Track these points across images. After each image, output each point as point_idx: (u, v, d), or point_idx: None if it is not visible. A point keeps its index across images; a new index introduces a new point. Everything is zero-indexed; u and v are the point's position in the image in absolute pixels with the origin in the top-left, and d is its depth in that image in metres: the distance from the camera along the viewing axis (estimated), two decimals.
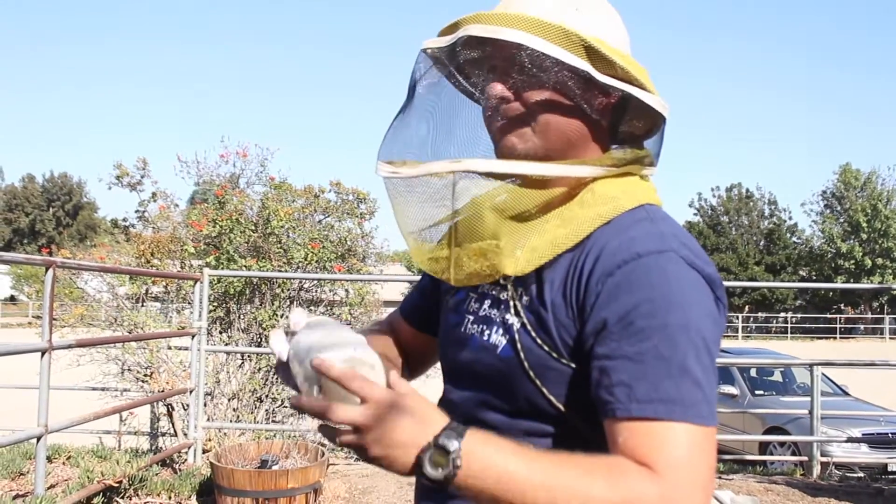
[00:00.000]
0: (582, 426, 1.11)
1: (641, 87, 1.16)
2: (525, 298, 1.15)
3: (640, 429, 0.98)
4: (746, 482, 6.40)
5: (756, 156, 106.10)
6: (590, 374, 1.05)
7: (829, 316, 47.82)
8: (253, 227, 7.72)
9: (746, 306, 50.09)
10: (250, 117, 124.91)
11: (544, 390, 1.11)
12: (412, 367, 1.54)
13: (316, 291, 8.16)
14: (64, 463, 6.21)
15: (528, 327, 1.12)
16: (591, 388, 1.04)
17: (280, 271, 7.56)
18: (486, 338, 1.19)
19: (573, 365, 1.09)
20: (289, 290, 7.69)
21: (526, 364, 1.11)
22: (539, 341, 1.11)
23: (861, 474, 7.97)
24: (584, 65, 1.11)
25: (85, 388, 7.59)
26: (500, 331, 1.16)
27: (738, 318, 47.27)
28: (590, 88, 1.13)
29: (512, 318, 1.15)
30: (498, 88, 1.16)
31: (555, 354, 1.09)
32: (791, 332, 46.73)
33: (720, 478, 6.53)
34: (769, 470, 7.49)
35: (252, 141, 11.88)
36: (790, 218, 53.57)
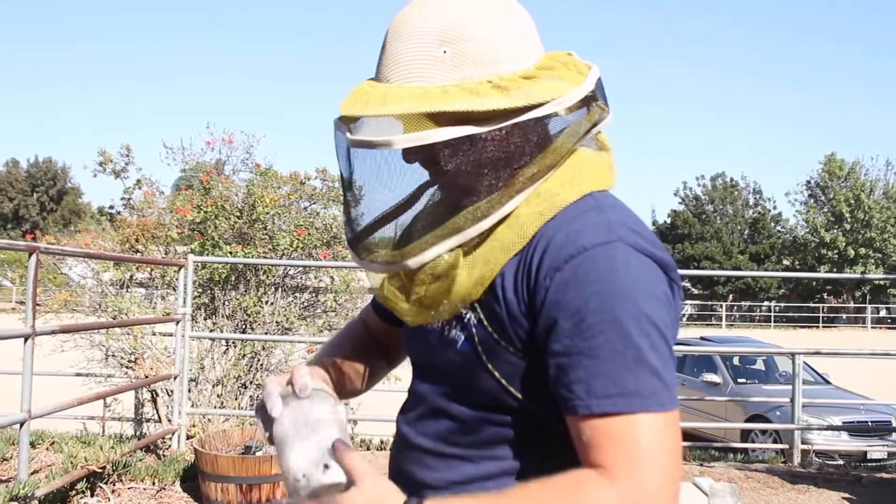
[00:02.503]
0: (544, 415, 1.12)
1: (544, 100, 1.10)
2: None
3: (601, 426, 0.99)
4: (727, 470, 6.45)
5: (741, 145, 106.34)
6: (546, 368, 1.06)
7: (812, 305, 48.17)
8: (238, 214, 7.70)
9: (730, 295, 50.37)
10: (236, 105, 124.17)
11: (503, 382, 1.12)
12: (390, 358, 1.55)
13: (301, 278, 8.16)
14: (47, 449, 6.19)
15: (484, 322, 1.13)
16: (550, 385, 1.05)
17: (265, 258, 7.55)
18: (445, 333, 1.19)
19: (529, 358, 1.10)
20: (274, 276, 7.68)
21: (483, 357, 1.12)
22: (496, 336, 1.11)
23: (841, 462, 8.05)
24: (464, 131, 1.08)
25: (69, 374, 7.57)
26: (458, 326, 1.17)
27: (721, 306, 47.54)
28: (482, 143, 1.10)
29: (468, 314, 1.15)
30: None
31: (511, 348, 1.10)
32: (774, 321, 47.04)
33: (702, 465, 6.59)
34: (750, 458, 7.55)
35: (238, 128, 11.85)
36: (775, 207, 53.91)
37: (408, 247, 1.15)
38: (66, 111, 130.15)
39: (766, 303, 50.03)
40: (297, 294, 7.96)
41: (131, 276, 7.98)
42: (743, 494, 5.64)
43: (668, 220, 53.62)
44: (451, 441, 1.19)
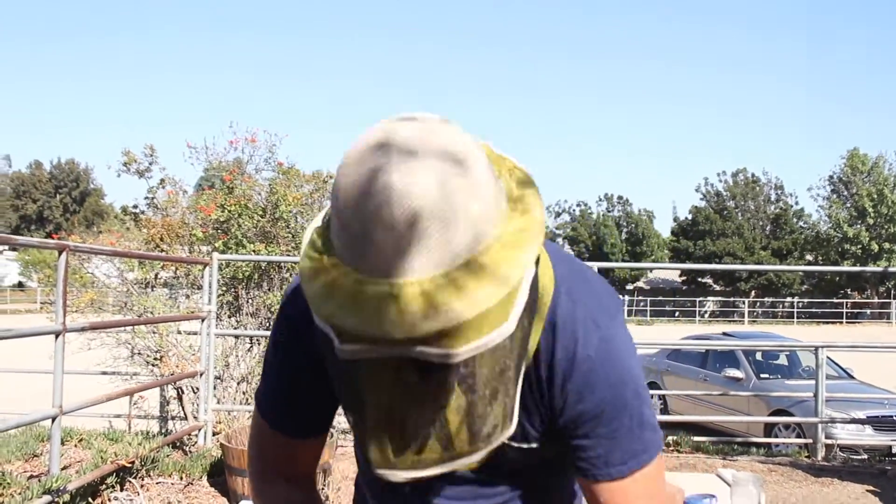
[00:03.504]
0: (541, 474, 1.26)
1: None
2: None
3: (617, 487, 1.11)
4: (751, 463, 6.45)
5: (763, 141, 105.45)
6: (560, 443, 1.14)
7: (835, 301, 47.82)
8: (261, 213, 7.74)
9: (753, 291, 50.08)
10: (259, 104, 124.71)
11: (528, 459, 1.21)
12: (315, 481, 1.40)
13: None
14: (76, 445, 6.28)
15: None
16: (570, 454, 1.14)
17: (289, 255, 7.60)
18: None
19: (535, 445, 1.17)
20: (297, 274, 7.72)
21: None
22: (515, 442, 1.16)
23: (865, 456, 8.00)
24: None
25: (96, 372, 7.65)
26: None
27: (744, 303, 47.26)
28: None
29: None
30: None
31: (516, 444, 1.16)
32: (797, 317, 46.71)
33: (724, 458, 6.59)
34: (774, 452, 7.53)
35: (261, 127, 11.87)
36: (797, 203, 53.73)
37: (461, 441, 0.92)
38: (89, 113, 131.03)
39: (788, 299, 49.68)
40: None
41: (156, 276, 8.06)
42: (766, 488, 5.63)
43: (690, 216, 53.37)
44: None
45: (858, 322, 45.24)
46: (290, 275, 7.68)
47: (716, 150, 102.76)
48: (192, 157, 8.52)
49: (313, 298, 0.86)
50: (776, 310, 49.30)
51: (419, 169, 0.81)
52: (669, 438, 7.10)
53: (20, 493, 4.02)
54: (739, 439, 8.35)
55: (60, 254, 4.10)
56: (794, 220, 52.64)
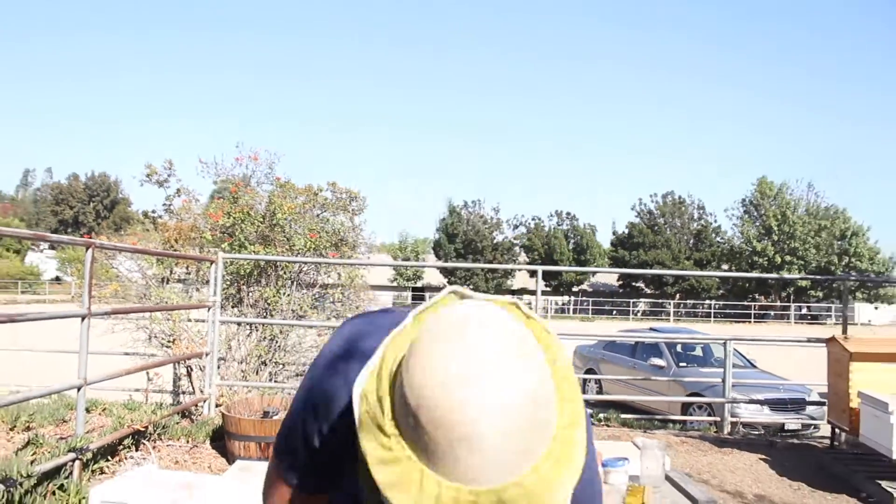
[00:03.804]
0: None
1: None
2: None
3: None
4: (667, 436, 6.53)
5: (688, 168, 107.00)
6: None
7: (745, 303, 48.34)
8: (261, 219, 7.74)
9: (678, 294, 50.51)
10: (262, 124, 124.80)
11: None
12: None
13: (313, 275, 8.21)
14: (100, 413, 6.24)
15: None
16: None
17: (283, 256, 7.60)
18: None
19: None
20: (290, 272, 7.73)
21: None
22: None
23: (762, 431, 8.14)
24: None
25: (119, 353, 7.60)
26: None
27: (670, 304, 47.66)
28: None
29: None
30: None
31: None
32: (714, 317, 47.15)
33: (645, 432, 6.66)
34: (688, 428, 7.64)
35: (262, 146, 11.84)
36: (715, 220, 54.04)
37: None
38: (119, 131, 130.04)
39: (707, 301, 50.16)
40: (309, 288, 8.01)
41: (171, 271, 8.02)
42: (678, 455, 5.72)
43: (626, 231, 53.70)
44: None
45: (764, 322, 45.79)
46: (285, 273, 7.68)
47: (649, 175, 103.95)
48: (204, 170, 8.48)
49: (383, 485, 0.74)
50: (696, 310, 49.71)
51: (504, 390, 0.71)
52: (601, 415, 7.18)
53: (50, 452, 4.00)
54: (660, 417, 8.46)
55: (87, 250, 4.10)
56: (713, 235, 53.12)
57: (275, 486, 1.15)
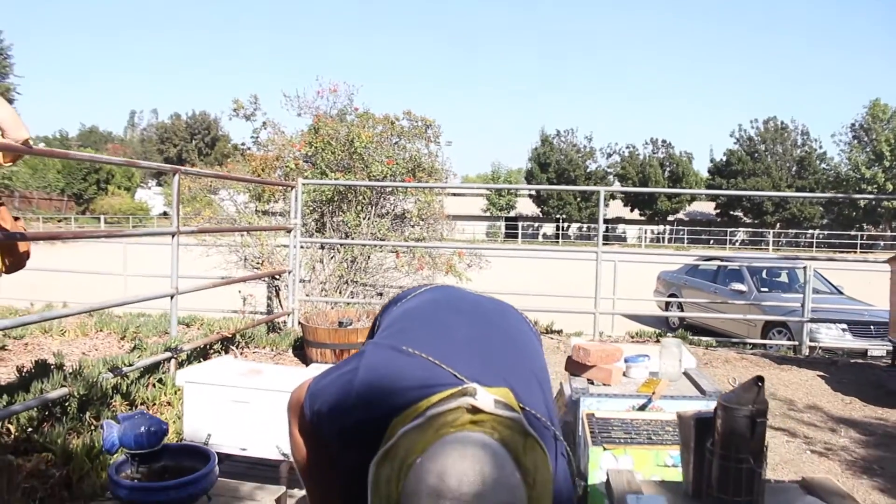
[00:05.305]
0: None
1: None
2: None
3: None
4: (726, 351, 6.65)
5: (792, 91, 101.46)
6: None
7: (851, 233, 46.30)
8: (341, 148, 8.11)
9: (777, 224, 48.81)
10: (342, 57, 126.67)
11: None
12: None
13: (393, 200, 8.54)
14: (198, 328, 6.87)
15: None
16: None
17: (362, 181, 7.93)
18: None
19: None
20: (369, 198, 8.10)
21: None
22: None
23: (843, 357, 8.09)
24: None
25: (215, 277, 8.23)
26: None
27: (769, 233, 46.13)
28: None
29: None
30: None
31: None
32: (817, 247, 45.45)
33: (707, 348, 6.79)
34: (768, 353, 7.66)
35: (341, 79, 12.18)
36: (820, 147, 51.47)
37: None
38: (216, 71, 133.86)
39: (809, 231, 48.30)
40: (384, 217, 8.34)
41: (258, 198, 8.55)
42: (735, 370, 5.86)
43: (724, 158, 51.97)
44: None
45: (871, 252, 43.78)
46: (364, 198, 8.05)
47: (750, 100, 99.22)
48: (287, 104, 8.90)
49: None
50: (798, 240, 48.01)
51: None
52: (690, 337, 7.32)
53: (150, 352, 4.56)
54: (736, 340, 8.51)
55: (174, 175, 4.56)
56: (818, 162, 50.72)
57: (298, 407, 1.49)
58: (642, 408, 2.75)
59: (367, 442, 1.24)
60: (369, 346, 1.43)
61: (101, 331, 6.26)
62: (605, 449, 2.50)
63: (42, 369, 4.07)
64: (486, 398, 1.19)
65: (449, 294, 1.71)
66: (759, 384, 1.58)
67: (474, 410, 1.17)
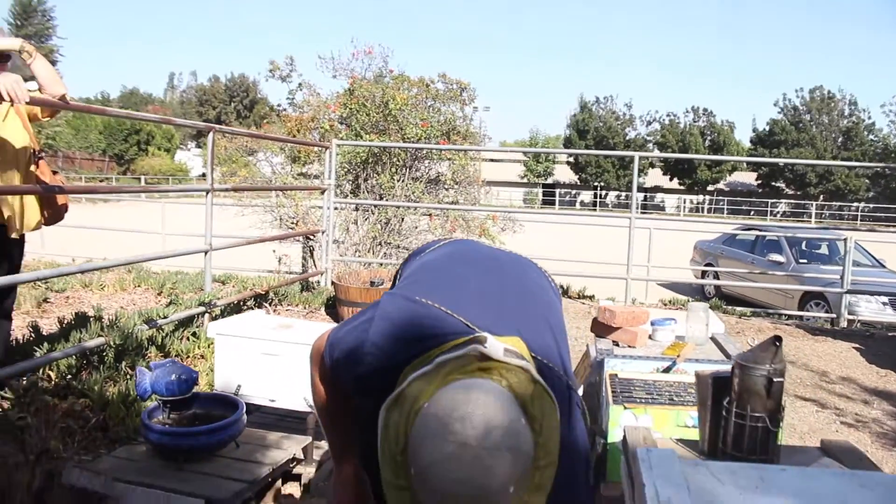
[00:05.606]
0: None
1: None
2: None
3: None
4: (760, 321, 6.59)
5: (840, 60, 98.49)
6: None
7: None
8: (376, 110, 8.12)
9: (821, 196, 47.76)
10: (379, 22, 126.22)
11: None
12: None
13: (425, 170, 8.53)
14: (233, 286, 6.99)
15: None
16: None
17: (396, 143, 7.94)
18: None
19: None
20: (403, 160, 8.11)
21: None
22: None
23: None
24: None
25: (251, 237, 8.34)
26: None
27: (812, 205, 45.19)
28: None
29: None
30: None
31: None
32: (861, 220, 44.42)
33: (740, 318, 6.72)
34: (803, 324, 7.57)
35: (376, 41, 12.15)
36: (869, 117, 50.01)
37: None
38: (255, 34, 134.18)
39: (854, 203, 47.15)
40: (418, 181, 8.35)
41: (294, 160, 8.62)
42: (764, 339, 5.78)
43: (767, 128, 50.84)
44: None
45: None
46: (398, 160, 8.06)
47: (796, 69, 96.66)
48: (322, 66, 8.91)
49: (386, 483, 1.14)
50: (842, 213, 46.97)
51: (487, 478, 1.01)
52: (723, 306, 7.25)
53: (185, 306, 4.66)
54: (773, 311, 8.42)
55: (209, 133, 4.62)
56: (865, 133, 49.31)
57: (318, 356, 1.51)
58: (667, 370, 2.75)
59: (381, 389, 1.26)
60: (385, 296, 1.45)
61: (138, 286, 6.41)
62: (625, 408, 2.51)
63: (81, 320, 4.20)
64: (496, 346, 1.20)
65: (466, 247, 1.72)
66: (777, 344, 1.57)
67: (483, 358, 1.19)
